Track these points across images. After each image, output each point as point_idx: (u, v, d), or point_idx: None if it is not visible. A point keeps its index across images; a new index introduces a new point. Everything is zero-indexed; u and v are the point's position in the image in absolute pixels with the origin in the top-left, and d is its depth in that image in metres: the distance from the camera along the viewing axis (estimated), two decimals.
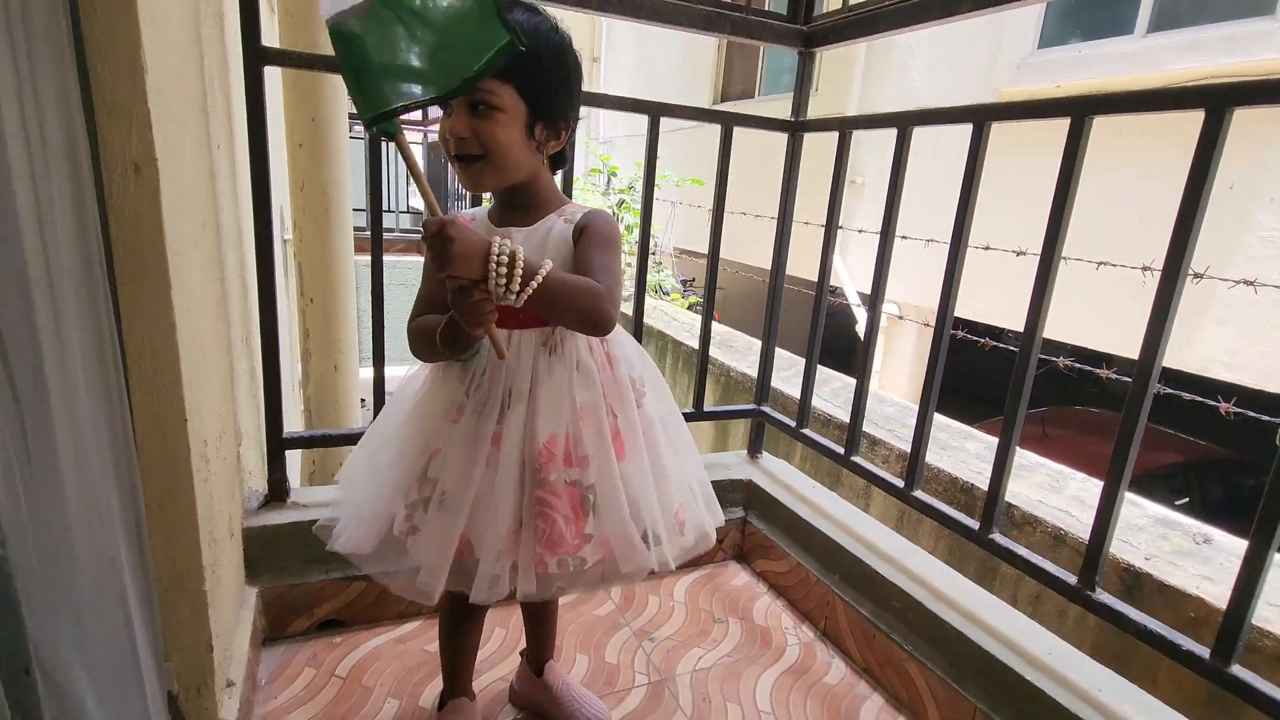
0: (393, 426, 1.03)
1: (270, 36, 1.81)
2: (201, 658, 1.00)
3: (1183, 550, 1.44)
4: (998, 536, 1.22)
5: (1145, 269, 1.52)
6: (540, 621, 1.24)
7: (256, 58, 1.21)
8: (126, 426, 0.81)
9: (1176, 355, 3.73)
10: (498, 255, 0.79)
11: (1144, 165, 3.67)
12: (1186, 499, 4.47)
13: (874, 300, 1.48)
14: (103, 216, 0.79)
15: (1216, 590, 1.30)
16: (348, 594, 1.43)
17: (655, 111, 1.53)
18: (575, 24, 1.50)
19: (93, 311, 0.74)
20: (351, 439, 1.59)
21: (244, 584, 1.34)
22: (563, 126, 0.94)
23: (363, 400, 2.25)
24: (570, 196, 1.29)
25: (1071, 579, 1.09)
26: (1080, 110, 1.03)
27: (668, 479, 1.01)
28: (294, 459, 2.05)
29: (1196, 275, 1.51)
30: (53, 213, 0.69)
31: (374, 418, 1.14)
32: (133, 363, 0.84)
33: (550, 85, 0.90)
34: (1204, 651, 0.93)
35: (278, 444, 1.40)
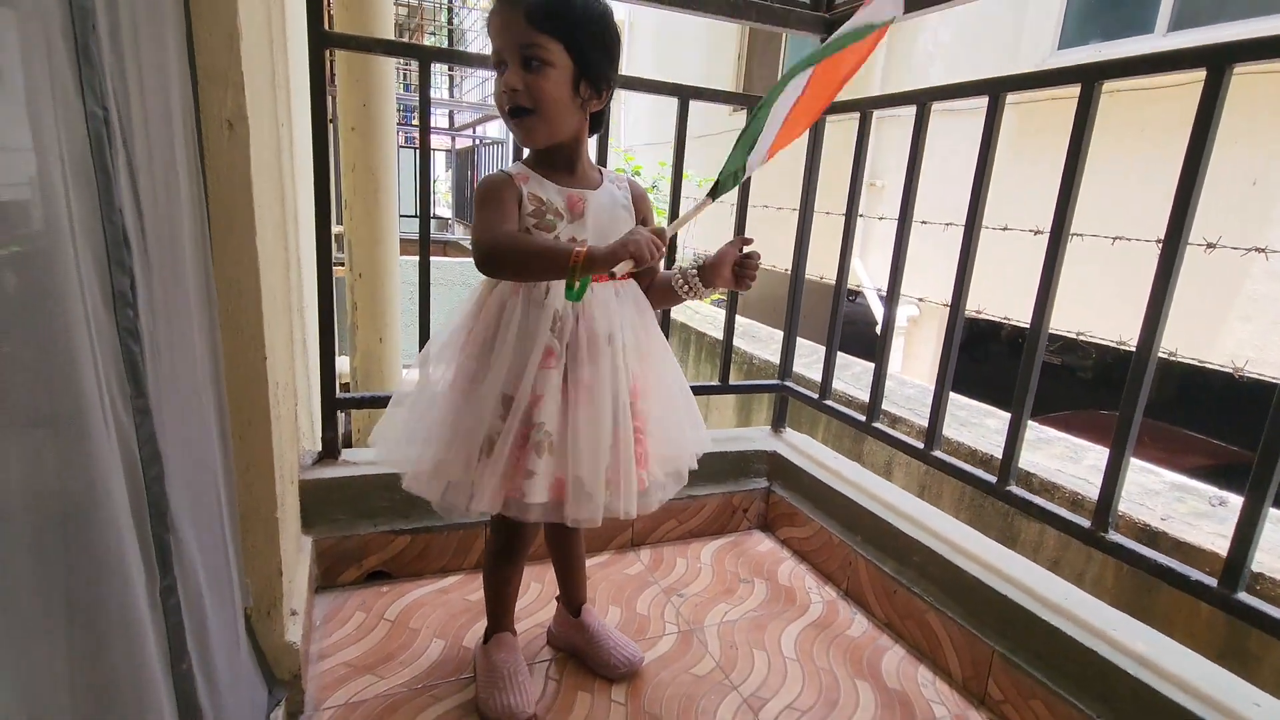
0: (462, 374, 1.10)
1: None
2: (272, 581, 1.09)
3: (1199, 512, 1.48)
4: (1014, 488, 1.27)
5: (1210, 246, 1.56)
6: (572, 567, 1.32)
7: (320, 40, 1.32)
8: (218, 355, 0.90)
9: (1201, 349, 3.73)
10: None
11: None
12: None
13: (895, 267, 1.54)
14: (202, 169, 0.89)
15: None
16: (394, 547, 1.52)
17: (686, 95, 1.62)
18: None
19: (196, 251, 0.84)
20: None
21: (300, 533, 1.44)
22: (604, 86, 1.03)
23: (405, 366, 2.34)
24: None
25: (1085, 523, 1.14)
26: (1091, 76, 1.10)
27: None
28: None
29: (1210, 245, 1.56)
30: (172, 166, 0.79)
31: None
32: (222, 300, 0.94)
33: (595, 45, 0.99)
34: (1212, 581, 0.98)
35: (332, 404, 1.49)
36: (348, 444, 1.78)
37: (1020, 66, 4.89)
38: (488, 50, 1.03)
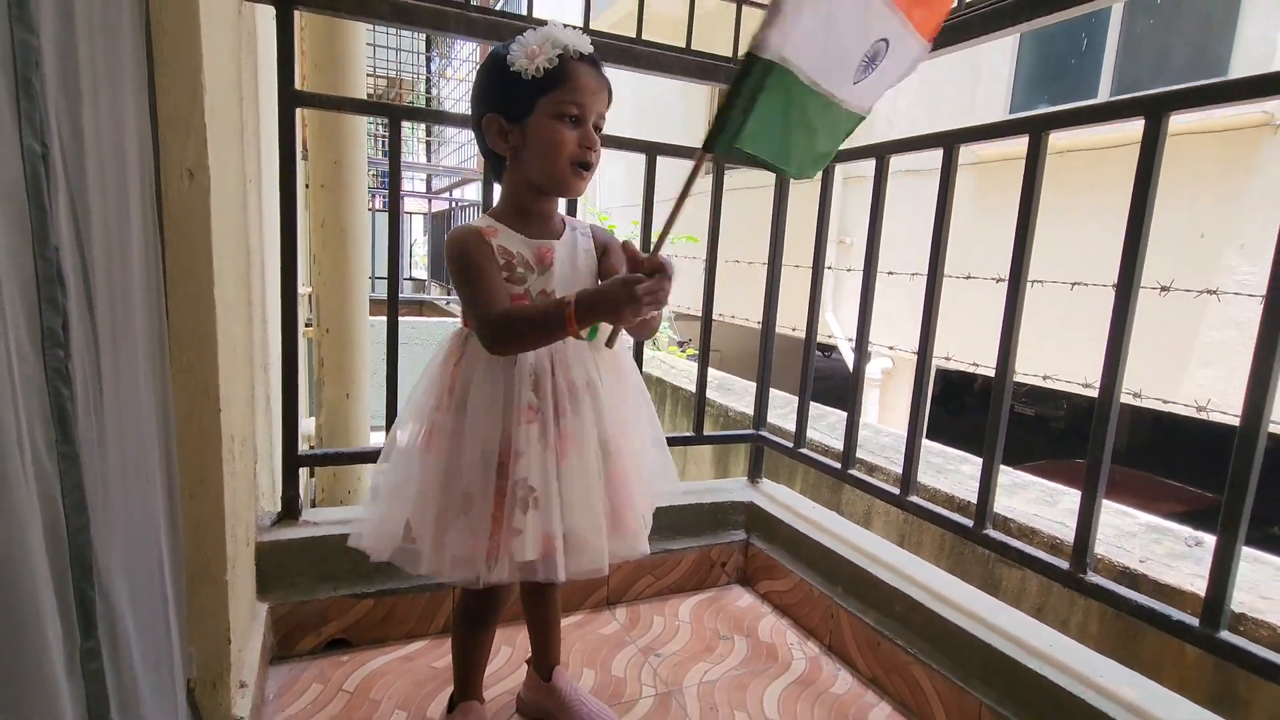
0: (432, 431, 1.07)
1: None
2: (220, 649, 1.02)
3: (1176, 553, 1.47)
4: (991, 531, 1.25)
5: (1164, 289, 1.61)
6: (547, 627, 1.26)
7: (291, 99, 1.33)
8: (169, 406, 0.87)
9: (1166, 391, 3.81)
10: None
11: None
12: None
13: (863, 314, 1.56)
14: (158, 214, 0.87)
15: None
16: (355, 612, 1.44)
17: (652, 150, 1.66)
18: None
19: (147, 298, 0.82)
20: (364, 456, 1.64)
21: (255, 598, 1.36)
22: None
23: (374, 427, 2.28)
24: None
25: (1064, 564, 1.13)
26: (1038, 127, 1.15)
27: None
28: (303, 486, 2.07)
29: (1164, 289, 1.60)
30: (125, 210, 0.77)
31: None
32: (175, 350, 0.91)
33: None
34: (1193, 621, 0.96)
35: (293, 460, 1.44)
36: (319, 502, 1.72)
37: None
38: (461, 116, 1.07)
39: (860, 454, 2.25)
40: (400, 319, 1.51)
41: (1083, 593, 1.10)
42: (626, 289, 0.88)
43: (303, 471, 1.59)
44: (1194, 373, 3.86)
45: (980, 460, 1.84)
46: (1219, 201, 3.80)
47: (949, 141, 1.30)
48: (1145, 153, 1.00)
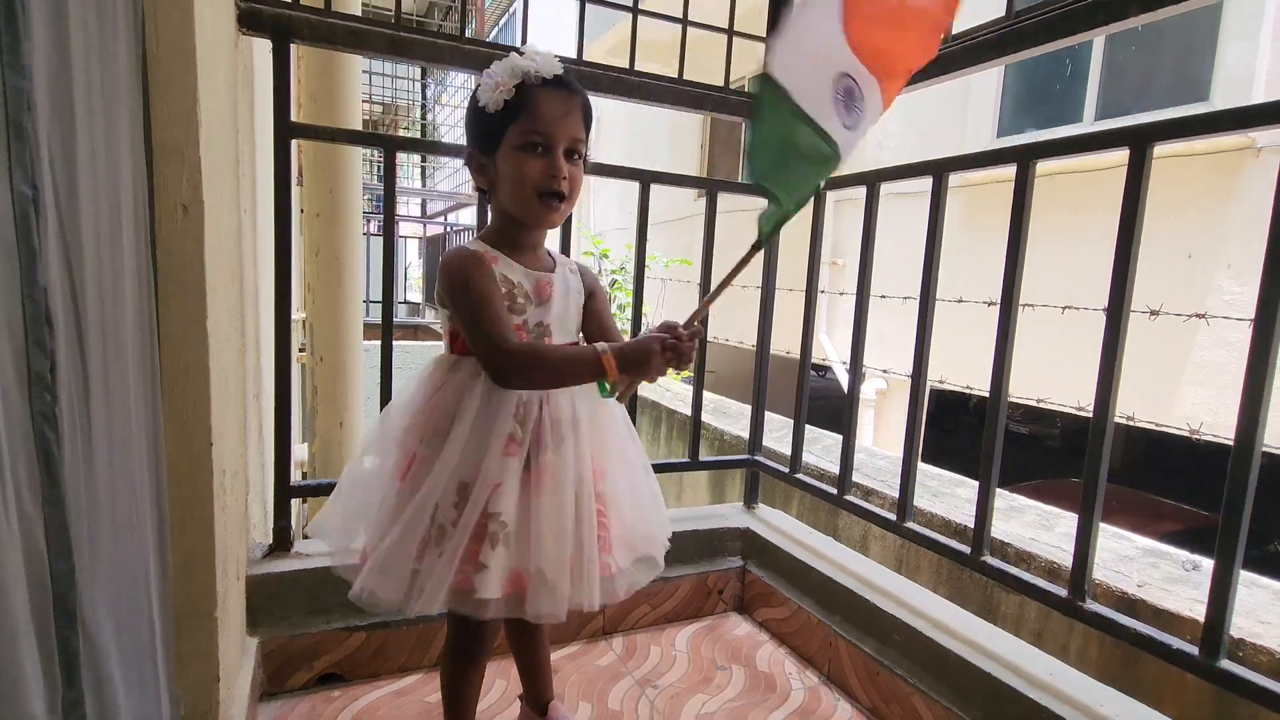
0: (419, 460, 1.05)
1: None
2: (208, 688, 1.00)
3: (1173, 577, 1.46)
4: (989, 558, 1.25)
5: (1154, 313, 1.62)
6: (538, 662, 1.24)
7: (286, 131, 1.34)
8: (159, 441, 0.86)
9: (1159, 412, 3.82)
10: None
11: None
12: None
13: (856, 340, 1.56)
14: (152, 247, 0.87)
15: None
16: (348, 645, 1.42)
17: (646, 178, 1.68)
18: None
19: (140, 332, 0.81)
20: None
21: (245, 633, 1.34)
22: None
23: None
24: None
25: (1062, 592, 1.12)
26: (1025, 156, 1.16)
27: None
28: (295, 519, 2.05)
29: (1153, 313, 1.62)
30: (118, 245, 0.77)
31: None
32: (168, 383, 0.90)
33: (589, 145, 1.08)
34: (1193, 649, 0.96)
35: (285, 491, 1.43)
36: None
37: (964, 152, 5.22)
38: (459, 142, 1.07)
39: (856, 478, 2.25)
40: (394, 343, 1.51)
41: (1082, 620, 1.09)
42: (658, 350, 0.92)
43: (295, 500, 1.57)
44: (1186, 392, 3.88)
45: (977, 484, 1.84)
46: (1205, 223, 3.85)
47: (938, 170, 1.32)
48: (1131, 182, 1.02)
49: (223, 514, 1.04)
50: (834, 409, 5.57)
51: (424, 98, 10.39)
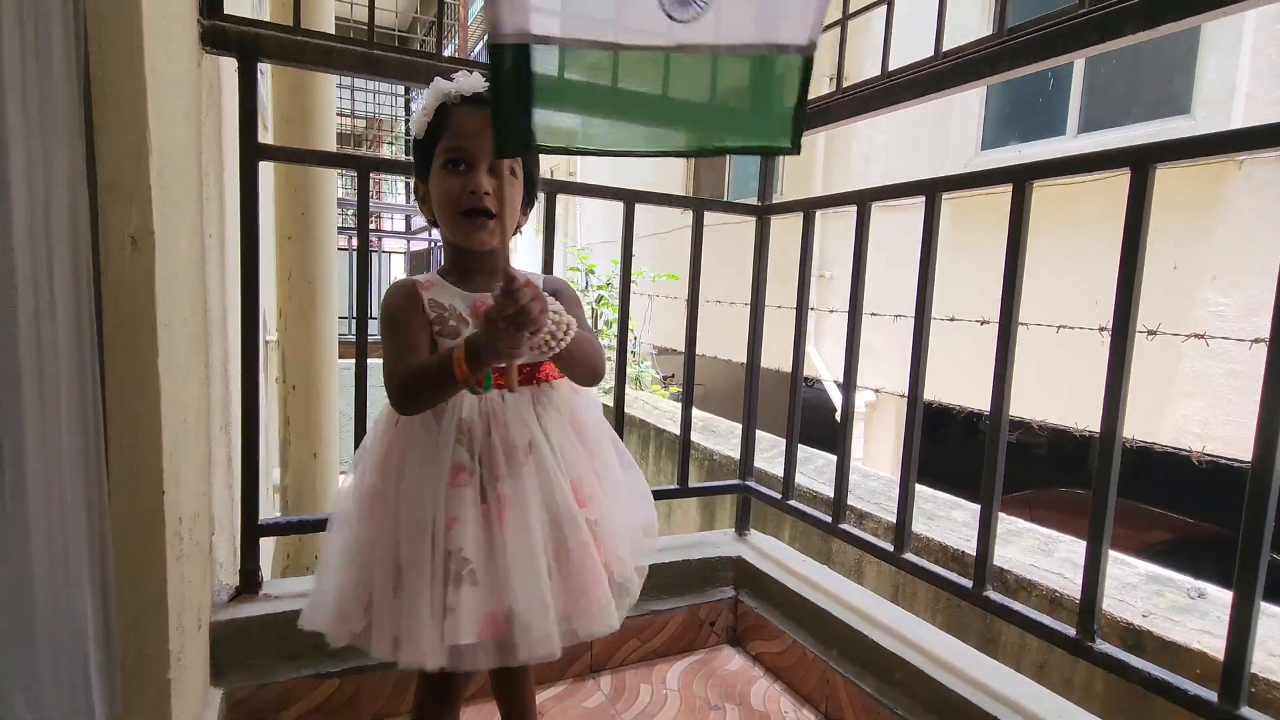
0: (371, 497, 1.00)
1: (265, 138, 1.92)
2: None
3: (1179, 606, 1.42)
4: (992, 593, 1.20)
5: (1102, 329, 1.59)
6: (522, 705, 1.17)
7: (253, 153, 1.28)
8: (102, 501, 0.79)
9: (1148, 429, 3.81)
10: (555, 313, 0.88)
11: (1094, 248, 3.90)
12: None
13: (849, 363, 1.52)
14: (96, 286, 0.81)
15: (1218, 644, 1.28)
16: (319, 693, 1.34)
17: (630, 199, 1.63)
18: None
19: (78, 376, 0.75)
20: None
21: (208, 685, 1.26)
22: (533, 203, 1.07)
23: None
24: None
25: (1070, 631, 1.07)
26: (1021, 177, 1.12)
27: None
28: (266, 555, 1.97)
29: (1150, 333, 1.58)
30: (50, 282, 0.71)
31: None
32: (114, 430, 0.84)
33: (537, 167, 1.05)
34: (1211, 695, 0.91)
35: (253, 530, 1.35)
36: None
37: (949, 165, 5.22)
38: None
39: (849, 500, 2.20)
40: (378, 360, 1.44)
41: (1091, 661, 1.04)
42: (488, 323, 0.81)
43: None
44: (1177, 405, 3.88)
45: (974, 507, 1.79)
46: (1189, 235, 3.86)
47: (931, 190, 1.28)
48: (1133, 204, 0.98)
49: (179, 565, 0.97)
50: (823, 420, 5.54)
51: (408, 111, 10.34)
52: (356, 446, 1.36)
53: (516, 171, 0.99)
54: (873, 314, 2.18)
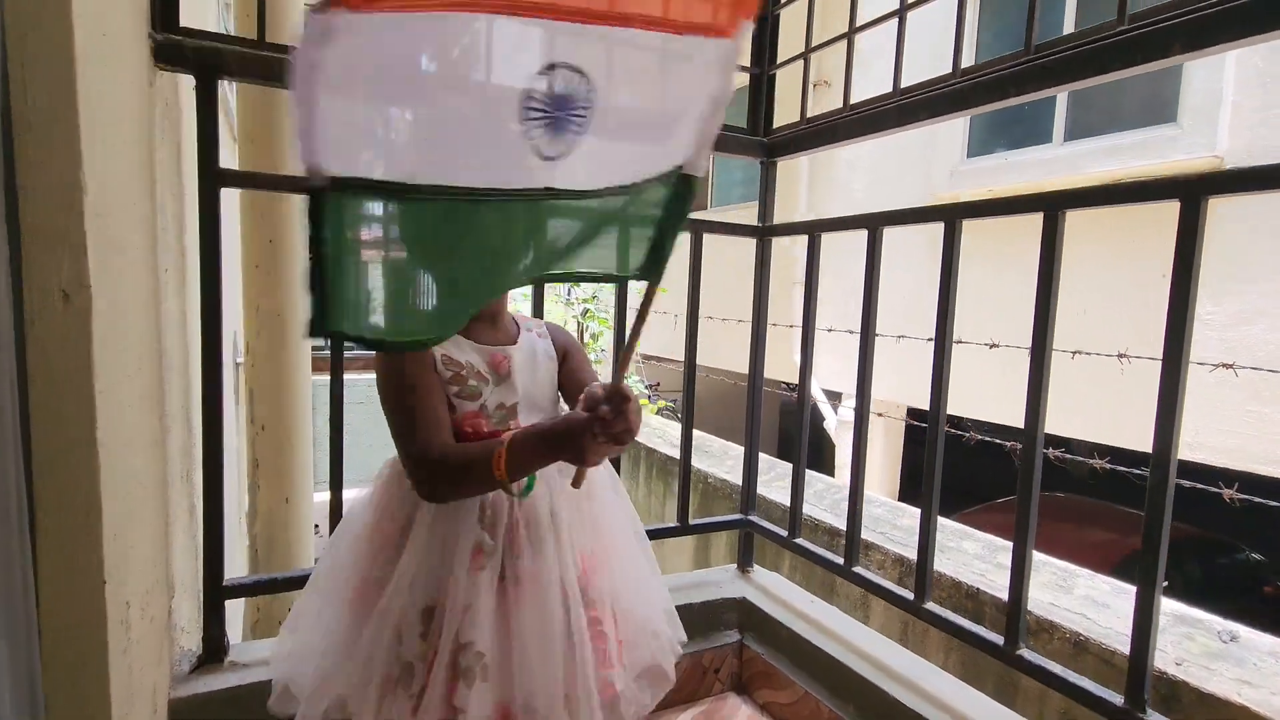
0: (361, 571, 0.90)
1: (229, 161, 1.78)
2: None
3: (1212, 652, 1.35)
4: (1026, 652, 1.11)
5: (1122, 356, 1.53)
6: None
7: (213, 179, 1.16)
8: (29, 596, 0.67)
9: (1141, 438, 3.79)
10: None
11: (1093, 259, 3.87)
12: (1166, 582, 4.44)
13: (860, 411, 1.43)
14: (19, 348, 0.69)
15: (1258, 695, 1.21)
16: None
17: None
18: None
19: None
20: (302, 582, 1.43)
21: None
22: None
23: (316, 527, 2.08)
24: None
25: (1118, 699, 0.99)
26: (1055, 205, 1.04)
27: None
28: (236, 605, 1.84)
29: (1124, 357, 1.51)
30: None
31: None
32: (42, 517, 0.72)
33: None
34: None
35: (217, 594, 1.23)
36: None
37: (935, 172, 5.20)
38: None
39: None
40: (357, 376, 1.33)
41: None
42: (583, 429, 0.75)
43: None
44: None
45: (985, 537, 1.69)
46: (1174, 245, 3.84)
47: (952, 216, 1.20)
48: (1184, 238, 0.90)
49: (124, 655, 0.85)
50: (814, 432, 5.47)
51: None
52: (331, 470, 1.26)
53: None
54: (879, 335, 2.11)
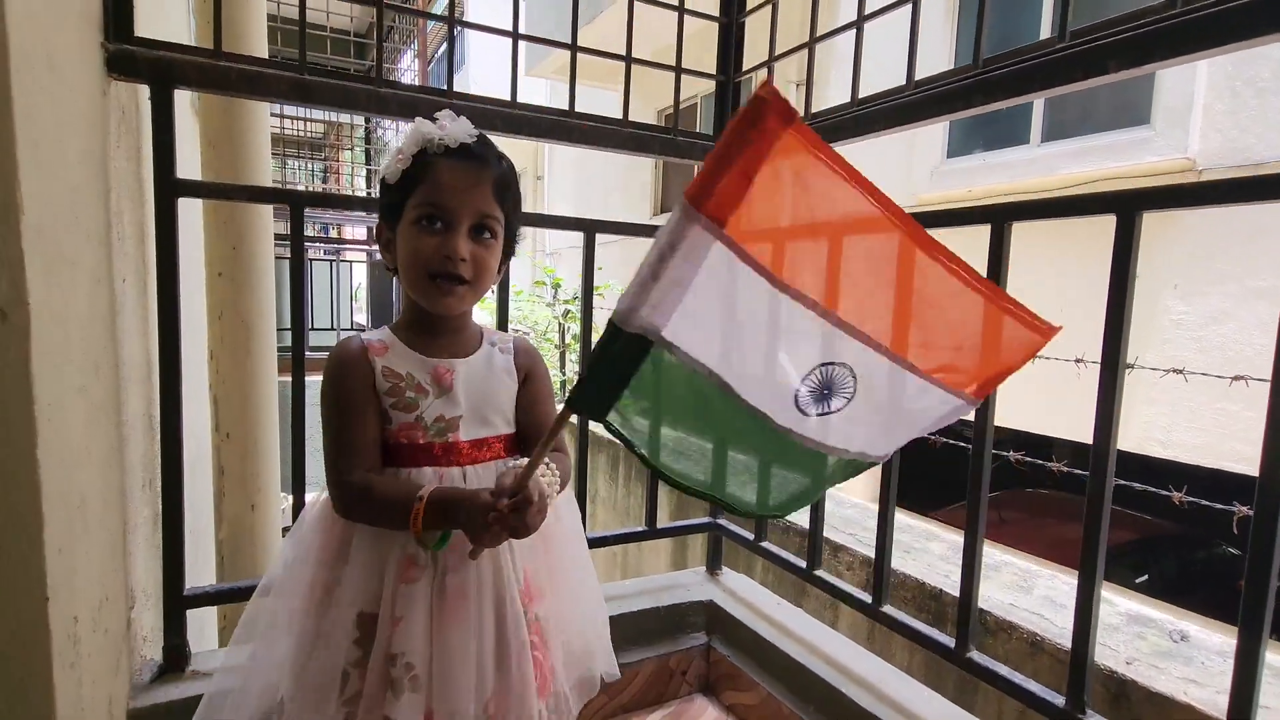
0: (307, 578, 0.91)
1: (193, 167, 1.77)
2: None
3: (1162, 650, 1.38)
4: (975, 655, 1.13)
5: (1079, 360, 1.55)
6: None
7: (170, 190, 1.16)
8: None
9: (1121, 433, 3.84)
10: (552, 474, 0.85)
11: (1056, 261, 3.92)
12: (1145, 576, 4.50)
13: None
14: None
15: (1204, 695, 1.24)
16: None
17: (591, 228, 1.54)
18: (519, 143, 1.52)
19: None
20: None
21: None
22: (511, 256, 0.98)
23: (285, 530, 2.08)
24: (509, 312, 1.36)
25: (1059, 700, 1.01)
26: (1000, 217, 1.06)
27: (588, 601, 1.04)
28: (209, 615, 1.83)
29: (1128, 366, 1.54)
30: None
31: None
32: None
33: (518, 222, 0.95)
34: None
35: (178, 602, 1.23)
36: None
37: (915, 173, 5.24)
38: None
39: (824, 530, 2.14)
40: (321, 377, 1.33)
41: None
42: (481, 513, 0.76)
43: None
44: (1139, 410, 3.92)
45: (951, 538, 1.72)
46: (1149, 245, 3.90)
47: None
48: (1120, 250, 0.92)
49: (71, 671, 0.85)
50: None
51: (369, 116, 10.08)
52: (295, 468, 1.27)
53: (497, 232, 0.89)
54: None
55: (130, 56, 1.11)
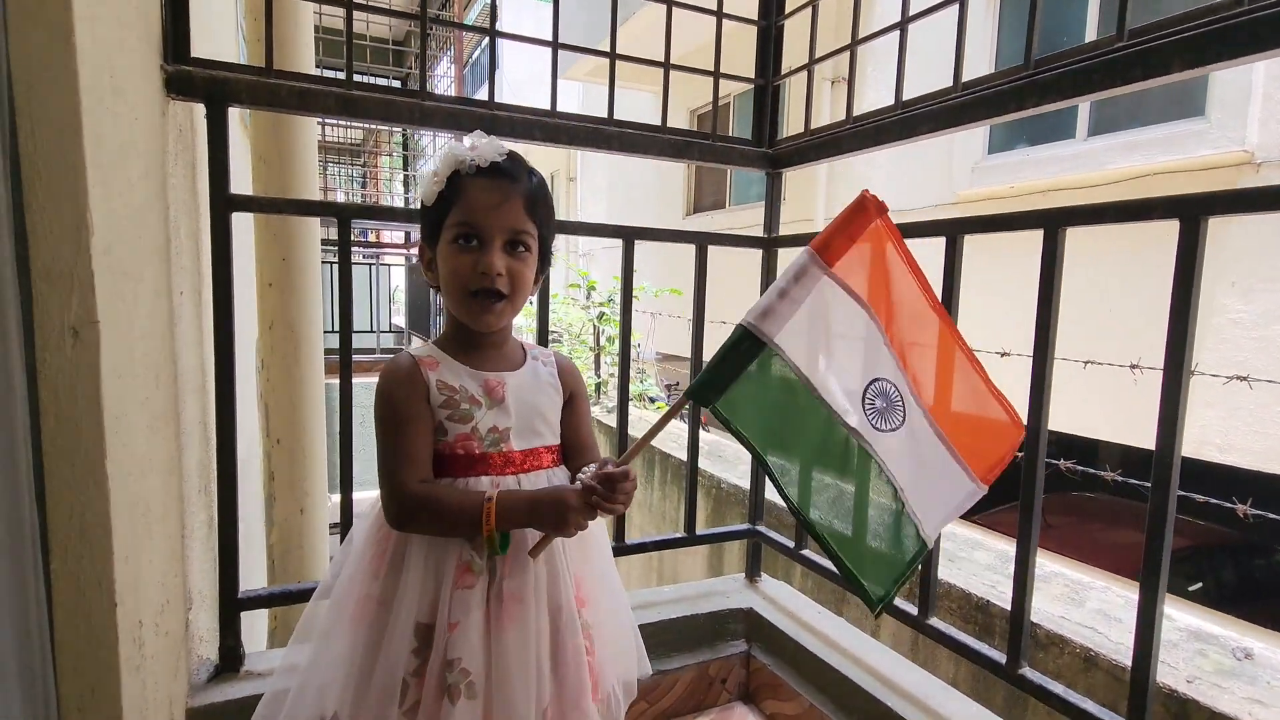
0: (360, 592, 0.92)
1: (244, 181, 1.83)
2: None
3: (1224, 669, 1.32)
4: (1028, 671, 1.10)
5: (1134, 366, 1.50)
6: None
7: (224, 205, 1.20)
8: (42, 624, 0.71)
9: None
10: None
11: (1106, 263, 3.79)
12: (1200, 584, 4.33)
13: None
14: (31, 385, 0.73)
15: (1270, 716, 1.18)
16: None
17: (630, 235, 1.54)
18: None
19: (9, 488, 0.67)
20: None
21: None
22: (548, 268, 1.00)
23: (333, 525, 2.13)
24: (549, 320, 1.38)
25: None
26: (1054, 222, 1.03)
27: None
28: (260, 616, 1.89)
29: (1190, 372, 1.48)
30: None
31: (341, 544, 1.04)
32: (56, 544, 0.75)
33: (551, 233, 0.97)
34: None
35: (232, 606, 1.27)
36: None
37: (955, 168, 5.12)
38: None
39: None
40: (369, 379, 1.36)
41: None
42: (582, 498, 0.83)
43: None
44: (1196, 413, 3.77)
45: (997, 548, 1.67)
46: (1209, 240, 3.75)
47: (953, 231, 1.18)
48: (1184, 256, 0.89)
49: (137, 673, 0.88)
50: None
51: None
52: (341, 473, 1.30)
53: (531, 246, 0.92)
54: None
55: (188, 77, 1.15)
